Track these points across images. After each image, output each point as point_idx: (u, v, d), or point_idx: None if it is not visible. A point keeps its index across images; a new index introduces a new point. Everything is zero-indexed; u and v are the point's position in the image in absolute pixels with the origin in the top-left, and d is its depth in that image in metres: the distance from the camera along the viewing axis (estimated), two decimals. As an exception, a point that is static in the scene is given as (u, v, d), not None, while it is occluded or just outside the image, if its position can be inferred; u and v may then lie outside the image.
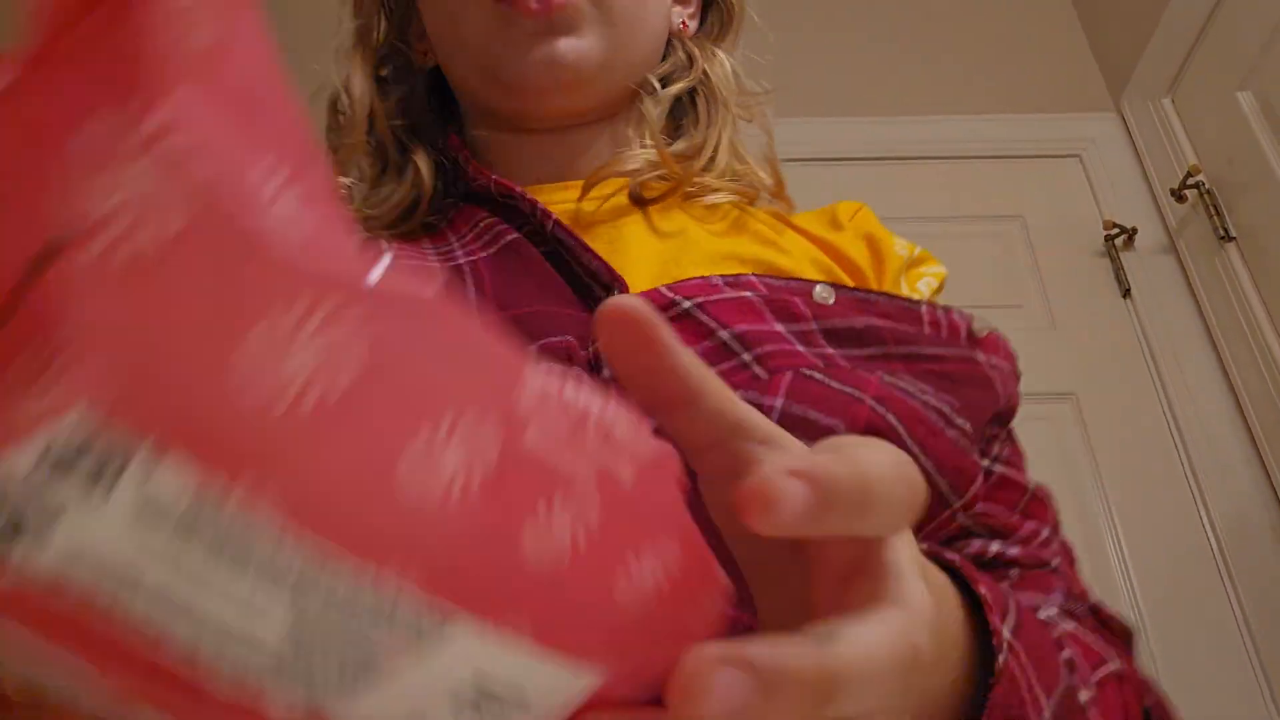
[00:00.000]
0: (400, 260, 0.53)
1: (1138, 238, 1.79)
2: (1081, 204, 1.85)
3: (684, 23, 0.64)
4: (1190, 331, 1.68)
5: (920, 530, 0.43)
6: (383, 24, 0.63)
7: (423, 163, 0.59)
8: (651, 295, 0.47)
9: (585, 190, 0.56)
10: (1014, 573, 0.47)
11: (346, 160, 0.59)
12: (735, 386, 0.41)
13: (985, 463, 0.50)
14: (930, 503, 0.42)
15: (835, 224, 0.60)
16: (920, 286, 0.58)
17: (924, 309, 0.51)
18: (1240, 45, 1.70)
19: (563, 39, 0.54)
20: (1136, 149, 1.91)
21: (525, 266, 0.51)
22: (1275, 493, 1.53)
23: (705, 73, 0.61)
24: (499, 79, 0.56)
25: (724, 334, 0.46)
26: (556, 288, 0.49)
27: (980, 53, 2.04)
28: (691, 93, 0.62)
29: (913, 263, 0.59)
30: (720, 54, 0.63)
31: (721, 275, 0.49)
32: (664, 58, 0.63)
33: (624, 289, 0.47)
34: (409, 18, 0.63)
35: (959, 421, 0.46)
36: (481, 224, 0.55)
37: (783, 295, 0.49)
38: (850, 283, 0.55)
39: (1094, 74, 2.04)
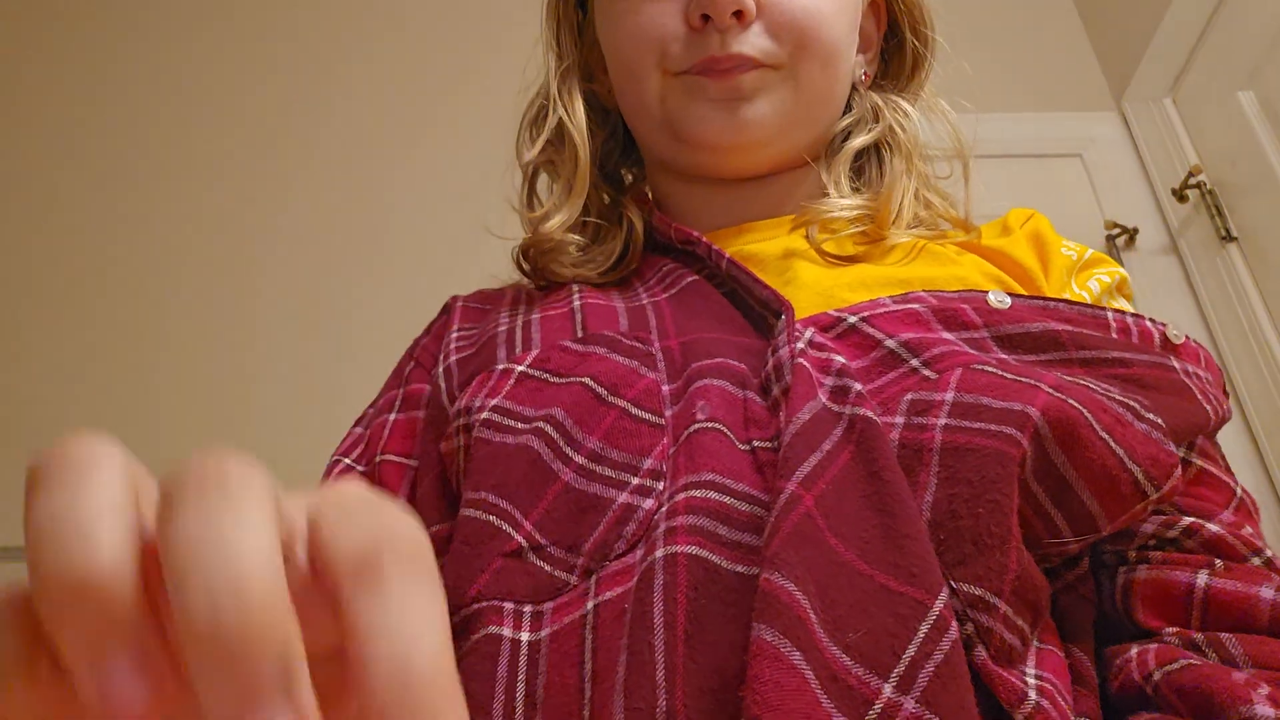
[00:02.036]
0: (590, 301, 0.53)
1: (1139, 238, 1.79)
2: (1083, 204, 1.85)
3: (865, 74, 0.64)
4: (1191, 331, 1.68)
5: (1115, 521, 0.42)
6: (581, 65, 0.65)
7: (635, 217, 0.62)
8: (818, 317, 0.48)
9: (794, 227, 0.57)
10: (1218, 564, 0.43)
11: (573, 191, 0.61)
12: (905, 389, 0.43)
13: (1181, 451, 0.46)
14: (1126, 491, 0.41)
15: (1005, 230, 0.60)
16: (1091, 285, 0.56)
17: (1110, 315, 0.49)
18: (1242, 45, 1.70)
19: (746, 105, 0.55)
20: (1138, 149, 1.90)
21: (703, 303, 0.53)
22: (1275, 492, 1.53)
23: (889, 128, 0.61)
24: (681, 138, 0.58)
25: (890, 343, 0.46)
26: (731, 318, 0.51)
27: (981, 52, 2.04)
28: (876, 144, 0.62)
29: (1084, 265, 0.57)
30: (905, 106, 0.63)
31: (890, 295, 0.49)
32: (847, 108, 0.63)
33: (790, 314, 0.47)
34: (598, 60, 0.65)
35: (1149, 416, 0.43)
36: (664, 269, 0.57)
37: (953, 305, 0.48)
38: (1019, 288, 0.54)
39: (1095, 74, 2.04)
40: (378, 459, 0.53)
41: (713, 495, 0.38)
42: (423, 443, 0.53)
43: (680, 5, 0.55)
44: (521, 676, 0.38)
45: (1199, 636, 0.41)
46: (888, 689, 0.32)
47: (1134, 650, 0.42)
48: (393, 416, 0.56)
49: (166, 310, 1.76)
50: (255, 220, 1.85)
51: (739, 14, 0.53)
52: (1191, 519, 0.45)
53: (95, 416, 1.66)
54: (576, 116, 0.61)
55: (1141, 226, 1.79)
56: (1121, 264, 1.84)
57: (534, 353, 0.50)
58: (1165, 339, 0.49)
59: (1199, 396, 0.47)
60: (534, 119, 0.65)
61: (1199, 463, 0.48)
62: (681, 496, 0.39)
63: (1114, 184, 1.87)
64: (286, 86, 1.98)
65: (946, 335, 0.46)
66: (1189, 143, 1.81)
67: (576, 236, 0.60)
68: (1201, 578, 0.43)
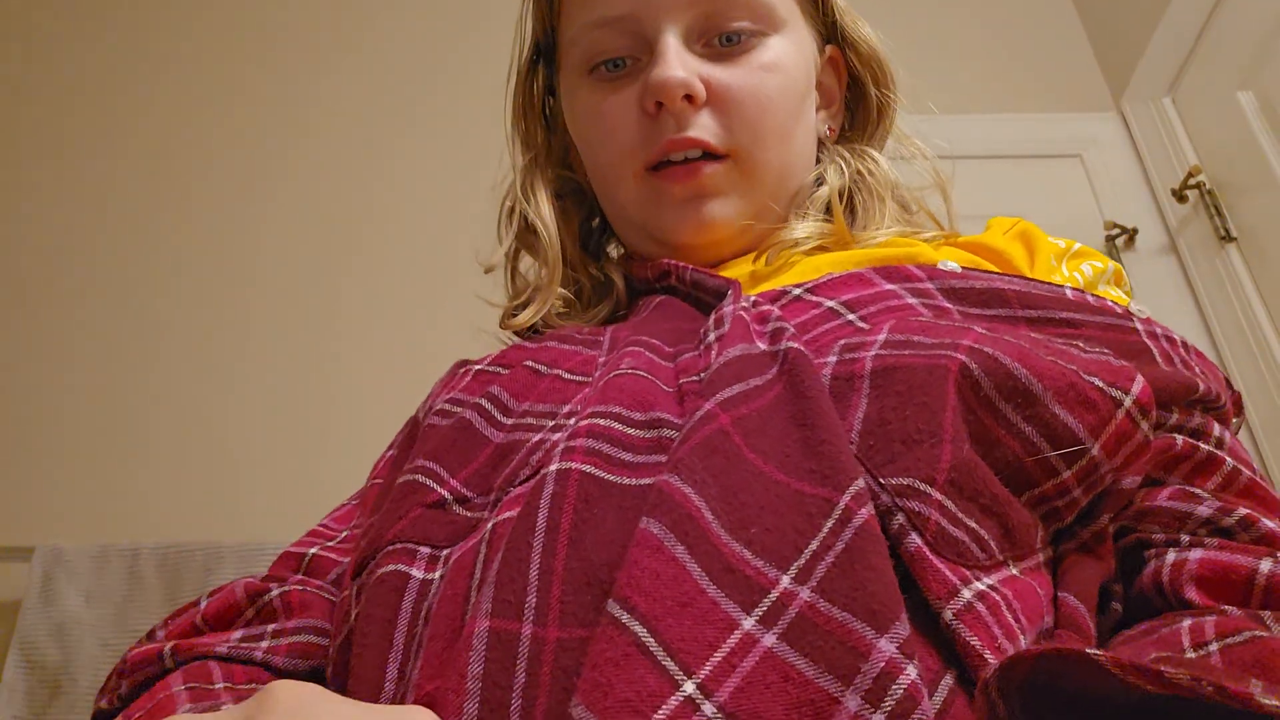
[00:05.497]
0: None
1: (1138, 238, 1.79)
2: (1082, 204, 1.85)
3: (830, 128, 0.65)
4: (1191, 332, 1.68)
5: (1102, 439, 0.39)
6: (551, 155, 0.67)
7: (618, 278, 0.65)
8: (764, 293, 0.49)
9: (757, 257, 0.58)
10: (1211, 541, 0.42)
11: (545, 286, 0.63)
12: (838, 338, 0.43)
13: (1177, 436, 0.45)
14: (1094, 397, 0.39)
15: (986, 230, 0.62)
16: (1084, 269, 0.56)
17: (1068, 290, 0.48)
18: (1241, 45, 1.70)
19: (711, 201, 0.58)
20: (1137, 149, 1.91)
21: (664, 311, 0.55)
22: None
23: (860, 173, 0.63)
24: (655, 237, 0.61)
25: (830, 303, 0.47)
26: (688, 314, 0.53)
27: (980, 53, 2.04)
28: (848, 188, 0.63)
29: (1074, 255, 0.57)
30: (872, 153, 0.64)
31: (841, 271, 0.51)
32: (817, 161, 0.64)
33: (737, 288, 0.49)
34: (570, 150, 0.67)
35: (1095, 349, 0.42)
36: (638, 304, 0.60)
37: (899, 265, 0.49)
38: (990, 268, 0.53)
39: (1094, 74, 2.04)
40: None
41: (615, 426, 0.39)
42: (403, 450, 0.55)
43: (636, 95, 0.57)
44: (425, 606, 0.38)
45: (1266, 614, 0.38)
46: (785, 579, 0.32)
47: (1186, 622, 0.39)
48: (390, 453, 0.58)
49: (164, 310, 1.76)
50: (249, 218, 1.85)
51: (689, 98, 0.55)
52: (1247, 510, 0.44)
53: (94, 415, 1.66)
54: (542, 212, 0.63)
55: (1141, 227, 1.79)
56: (1122, 264, 1.85)
57: (493, 355, 0.53)
58: (1128, 312, 0.48)
59: (1159, 360, 0.45)
60: (507, 215, 0.67)
61: (1194, 443, 0.46)
62: (584, 423, 0.39)
63: (1113, 184, 1.87)
64: (281, 82, 1.98)
65: (889, 286, 0.47)
66: (1188, 143, 1.81)
67: (559, 314, 0.62)
68: (1265, 564, 0.40)
